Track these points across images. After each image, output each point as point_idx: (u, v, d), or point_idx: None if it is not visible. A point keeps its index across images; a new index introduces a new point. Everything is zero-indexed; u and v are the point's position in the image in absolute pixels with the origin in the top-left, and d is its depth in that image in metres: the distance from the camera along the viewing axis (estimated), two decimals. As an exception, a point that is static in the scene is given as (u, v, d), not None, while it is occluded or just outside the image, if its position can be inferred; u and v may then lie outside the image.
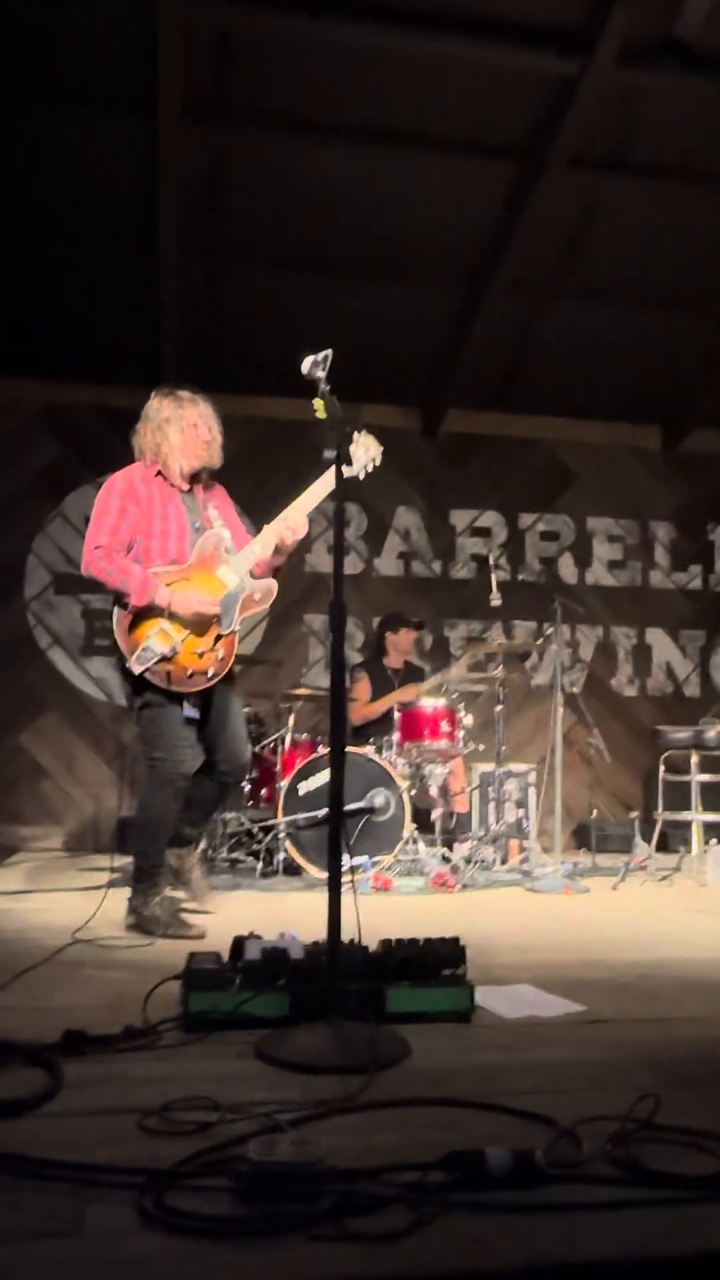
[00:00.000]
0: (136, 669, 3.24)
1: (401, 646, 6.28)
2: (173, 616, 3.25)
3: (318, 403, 2.32)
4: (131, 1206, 1.25)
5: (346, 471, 3.04)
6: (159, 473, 3.45)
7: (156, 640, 3.24)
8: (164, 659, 3.24)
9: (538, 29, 4.92)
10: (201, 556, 3.38)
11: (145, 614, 3.26)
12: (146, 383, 7.16)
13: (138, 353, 6.93)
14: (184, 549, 3.39)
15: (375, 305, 6.65)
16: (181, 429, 3.44)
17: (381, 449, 3.35)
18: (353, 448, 3.19)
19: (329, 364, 2.36)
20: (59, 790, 7.13)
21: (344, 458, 2.21)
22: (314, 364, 2.38)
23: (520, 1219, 1.24)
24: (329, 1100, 1.63)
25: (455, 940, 2.28)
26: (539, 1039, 2.07)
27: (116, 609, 3.31)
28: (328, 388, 2.34)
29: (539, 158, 5.56)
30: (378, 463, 3.35)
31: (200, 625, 3.30)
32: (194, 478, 3.52)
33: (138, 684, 3.30)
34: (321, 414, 2.31)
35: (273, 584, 3.46)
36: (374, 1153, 1.41)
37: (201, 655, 3.31)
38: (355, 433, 3.27)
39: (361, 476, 3.29)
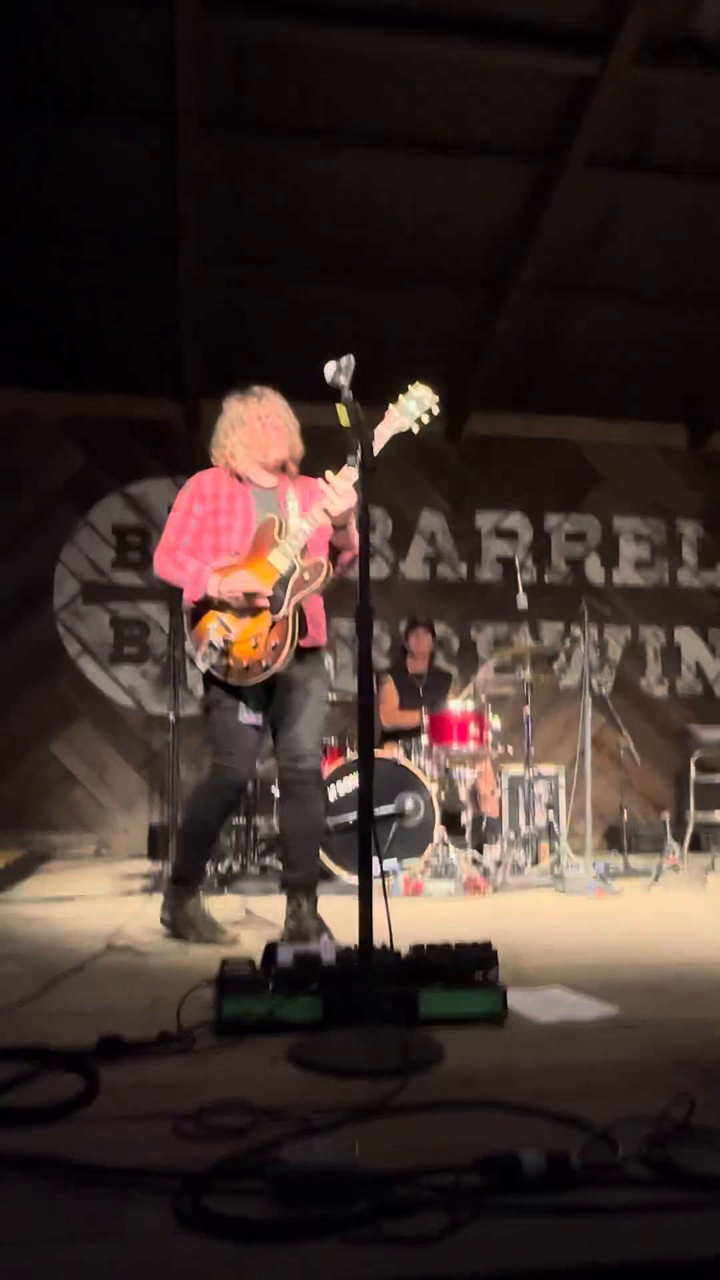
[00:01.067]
0: (201, 666, 3.22)
1: (417, 649, 6.29)
2: (223, 605, 3.19)
3: (340, 409, 2.33)
4: (169, 1209, 1.26)
5: (401, 424, 3.04)
6: (236, 474, 3.39)
7: (215, 633, 3.18)
8: (224, 652, 3.17)
9: (555, 30, 4.92)
10: (255, 543, 3.26)
11: (205, 609, 3.22)
12: (170, 392, 7.31)
13: (160, 362, 6.99)
14: (248, 542, 3.30)
15: (396, 309, 6.66)
16: (247, 425, 3.37)
17: (437, 399, 3.11)
18: (405, 398, 3.06)
19: (351, 370, 2.36)
20: (90, 798, 7.19)
21: (368, 463, 2.20)
22: (337, 370, 2.37)
23: (556, 1222, 1.24)
24: (363, 1104, 1.64)
25: (487, 944, 2.29)
26: (572, 1041, 2.07)
27: (184, 609, 3.34)
28: (350, 394, 2.34)
29: (558, 158, 5.55)
30: (434, 413, 3.12)
31: (253, 611, 3.16)
32: (281, 470, 3.42)
33: (206, 682, 3.28)
34: (344, 420, 2.32)
35: (321, 561, 3.21)
36: (408, 1156, 1.41)
37: (255, 645, 3.17)
38: (410, 385, 3.11)
39: (416, 429, 3.08)
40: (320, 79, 5.19)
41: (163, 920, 3.32)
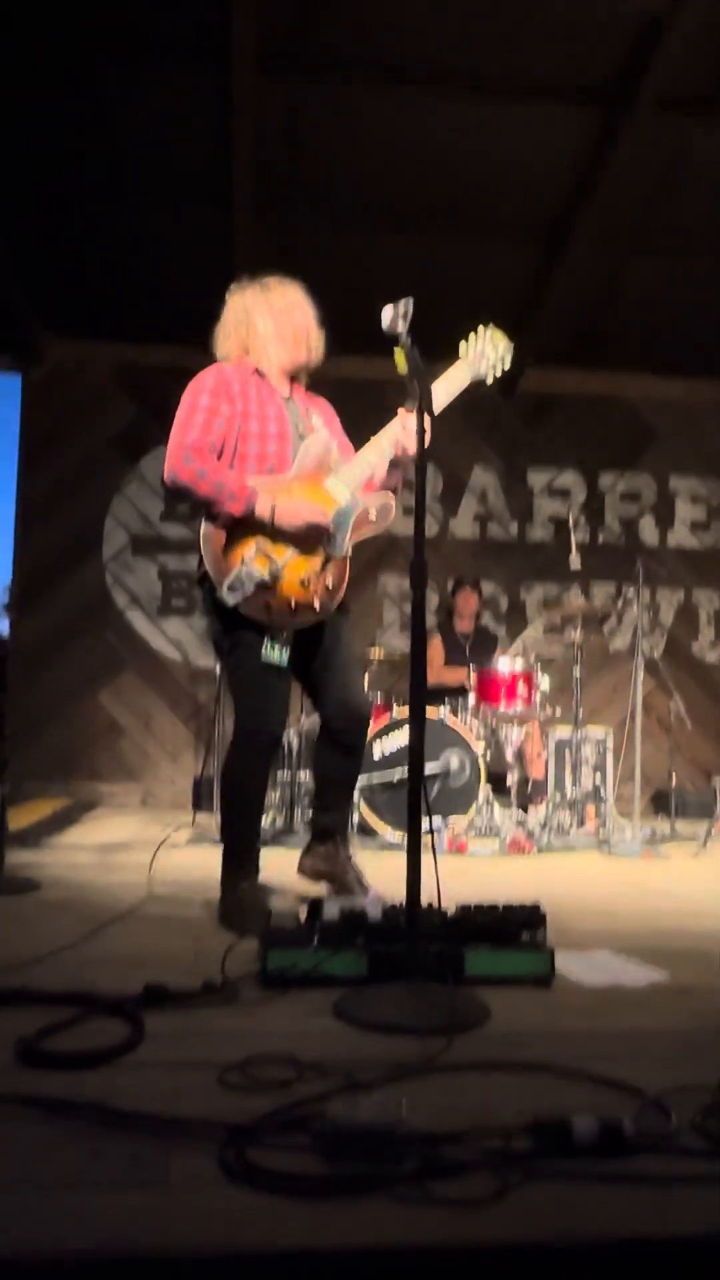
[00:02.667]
0: (229, 600, 2.69)
1: (463, 609, 6.23)
2: (275, 533, 2.70)
3: (398, 353, 2.20)
4: (214, 1160, 1.25)
5: (478, 372, 2.81)
6: (255, 371, 2.94)
7: (255, 564, 2.68)
8: (263, 586, 2.69)
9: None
10: (304, 465, 2.82)
11: (242, 531, 2.71)
12: (222, 343, 7.20)
13: (215, 311, 6.89)
14: (286, 456, 2.83)
15: (455, 259, 6.51)
16: (271, 316, 2.93)
17: (512, 346, 2.87)
18: (480, 343, 2.83)
19: (410, 314, 2.24)
20: (136, 748, 7.25)
21: (427, 409, 2.13)
22: (395, 314, 2.21)
23: (608, 1190, 1.21)
24: (409, 1061, 1.62)
25: (535, 905, 2.25)
26: (621, 1006, 2.03)
27: (206, 525, 2.75)
28: (409, 338, 2.23)
29: (625, 101, 5.35)
30: (507, 364, 2.88)
31: (308, 544, 2.74)
32: (292, 381, 3.01)
33: (228, 619, 2.76)
34: (402, 366, 2.21)
35: (391, 501, 2.90)
36: (455, 1116, 1.39)
37: (306, 584, 2.74)
38: (483, 327, 2.88)
39: (490, 380, 2.86)
40: (379, 17, 5.02)
41: (219, 905, 2.87)
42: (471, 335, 2.90)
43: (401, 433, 2.78)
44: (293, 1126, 1.33)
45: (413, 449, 2.55)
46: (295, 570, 2.74)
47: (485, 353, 2.87)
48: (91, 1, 4.87)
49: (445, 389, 2.84)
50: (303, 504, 2.73)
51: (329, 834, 2.99)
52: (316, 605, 2.77)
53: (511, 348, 2.89)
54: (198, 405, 2.81)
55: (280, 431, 2.86)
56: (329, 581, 2.80)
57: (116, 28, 5.03)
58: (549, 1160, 1.26)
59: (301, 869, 3.00)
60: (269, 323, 2.91)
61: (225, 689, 5.66)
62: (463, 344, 2.91)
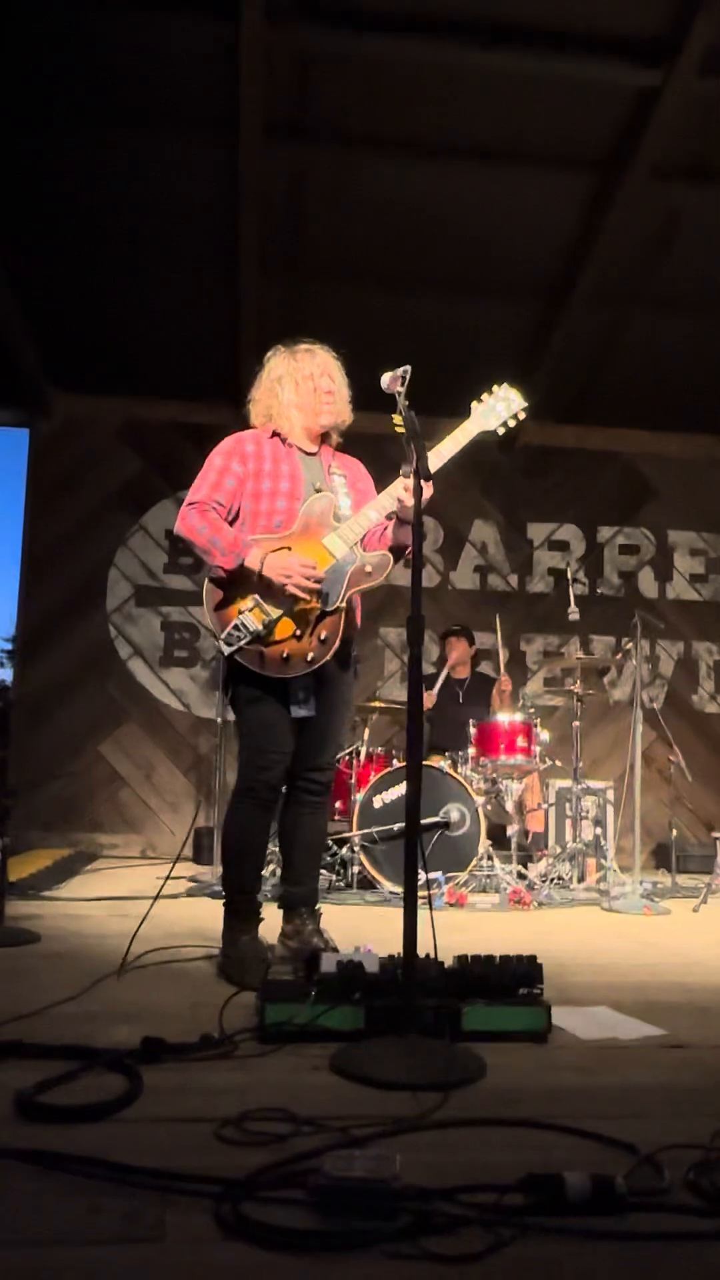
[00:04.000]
0: (224, 649, 2.82)
1: (458, 655, 6.26)
2: (269, 587, 2.79)
3: (396, 418, 2.33)
4: (210, 1215, 1.26)
5: (487, 424, 2.91)
6: (275, 434, 3.03)
7: (249, 616, 2.80)
8: (256, 639, 2.80)
9: (619, 40, 4.88)
10: (307, 521, 2.90)
11: (240, 586, 2.83)
12: (226, 399, 7.35)
13: (218, 369, 7.04)
14: (294, 514, 2.92)
15: (453, 318, 6.65)
16: (296, 383, 3.02)
17: (525, 404, 2.97)
18: (491, 398, 2.94)
19: (408, 379, 2.37)
20: (137, 799, 7.25)
21: (423, 473, 2.19)
22: (393, 379, 2.39)
23: (600, 1246, 1.22)
24: (404, 1117, 1.63)
25: (532, 959, 2.26)
26: (617, 1062, 2.04)
27: (208, 581, 2.91)
28: (406, 403, 2.35)
29: (621, 168, 5.51)
30: (520, 418, 2.98)
31: (296, 599, 2.81)
32: (322, 439, 3.09)
33: (239, 672, 2.87)
34: (401, 429, 2.32)
35: (388, 556, 2.93)
36: (450, 1172, 1.40)
37: (299, 636, 2.82)
38: (497, 386, 2.97)
39: (501, 432, 2.96)
40: (381, 89, 5.20)
41: (220, 955, 2.92)
42: (486, 394, 3.00)
43: (403, 492, 2.83)
44: (288, 1181, 1.34)
45: (409, 504, 2.59)
46: (288, 623, 2.82)
47: (497, 407, 2.96)
48: (103, 72, 5.04)
49: (454, 440, 2.91)
50: (293, 558, 2.81)
51: (293, 907, 3.01)
52: (309, 656, 2.84)
53: (525, 405, 2.99)
54: (211, 465, 2.98)
55: (291, 490, 2.95)
56: (322, 634, 2.85)
57: (127, 96, 5.20)
58: (542, 1216, 1.27)
59: (277, 948, 2.97)
60: (291, 391, 3.01)
61: (227, 741, 5.70)
62: (475, 403, 3.00)
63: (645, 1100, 1.80)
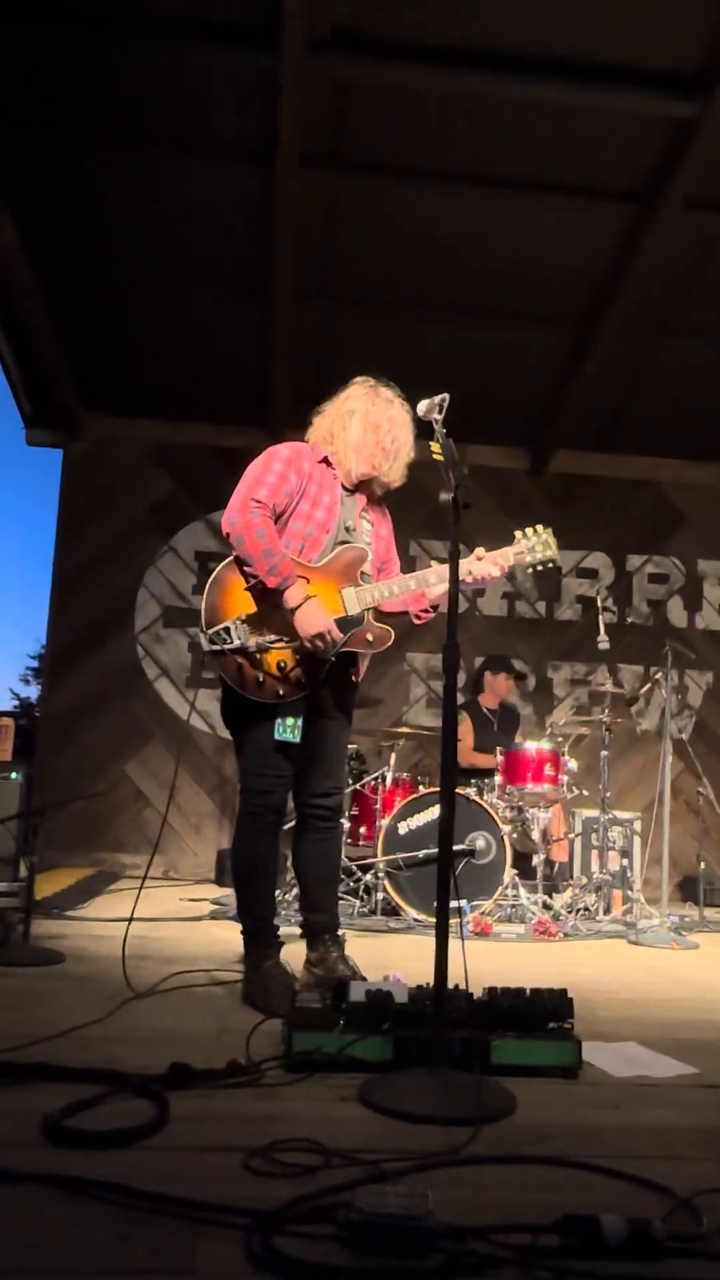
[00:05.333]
0: (205, 644, 2.82)
1: (499, 689, 6.23)
2: (280, 618, 2.80)
3: (434, 445, 2.35)
4: (240, 1247, 1.24)
5: (522, 560, 3.04)
6: (326, 460, 3.04)
7: (243, 628, 2.80)
8: (243, 652, 2.79)
9: (655, 72, 4.90)
10: (334, 565, 2.92)
11: (253, 595, 2.83)
12: (257, 423, 7.42)
13: (249, 393, 7.11)
14: (320, 544, 2.93)
15: (485, 346, 6.68)
16: (365, 427, 2.99)
17: (557, 554, 3.10)
18: (534, 537, 3.06)
19: (445, 408, 2.38)
20: (160, 820, 7.24)
21: (461, 501, 2.19)
22: (430, 406, 2.41)
23: (637, 1292, 1.19)
24: (435, 1152, 1.60)
25: (563, 992, 2.23)
26: (649, 1100, 2.00)
27: (224, 570, 2.89)
28: (444, 430, 2.36)
29: (655, 199, 5.52)
30: (549, 566, 3.09)
31: (300, 639, 2.81)
32: (361, 485, 3.08)
33: (225, 693, 2.89)
34: (438, 456, 2.33)
35: (390, 634, 2.99)
36: (482, 1210, 1.38)
37: (281, 671, 2.82)
38: (535, 527, 3.09)
39: (529, 570, 3.10)
40: (417, 119, 5.24)
41: (243, 982, 2.88)
42: (529, 530, 3.11)
43: (494, 570, 2.99)
44: (319, 1215, 1.32)
45: (481, 575, 2.96)
46: (277, 654, 2.82)
47: (535, 548, 3.08)
48: (143, 99, 5.12)
49: (494, 561, 3.05)
50: (323, 618, 2.81)
51: (316, 934, 2.98)
52: (280, 691, 2.83)
53: (558, 559, 3.13)
54: (271, 468, 2.94)
55: (325, 520, 2.97)
56: (301, 675, 2.85)
57: (166, 123, 5.28)
58: (578, 1259, 1.24)
59: (303, 975, 2.95)
60: (358, 432, 3.00)
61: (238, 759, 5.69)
62: (518, 533, 3.12)
63: (679, 1141, 1.76)
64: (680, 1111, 1.95)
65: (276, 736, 2.82)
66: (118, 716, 7.29)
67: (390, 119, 5.26)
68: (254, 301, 6.31)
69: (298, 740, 2.86)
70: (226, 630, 2.80)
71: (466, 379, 6.37)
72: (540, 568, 3.11)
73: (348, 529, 3.01)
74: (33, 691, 32.83)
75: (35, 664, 33.25)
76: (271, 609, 2.82)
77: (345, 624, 2.89)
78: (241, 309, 6.45)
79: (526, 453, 7.72)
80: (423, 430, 2.54)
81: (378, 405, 3.03)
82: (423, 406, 2.42)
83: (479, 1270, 1.20)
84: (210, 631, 2.82)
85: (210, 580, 2.91)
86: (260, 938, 2.89)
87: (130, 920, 3.10)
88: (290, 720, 2.84)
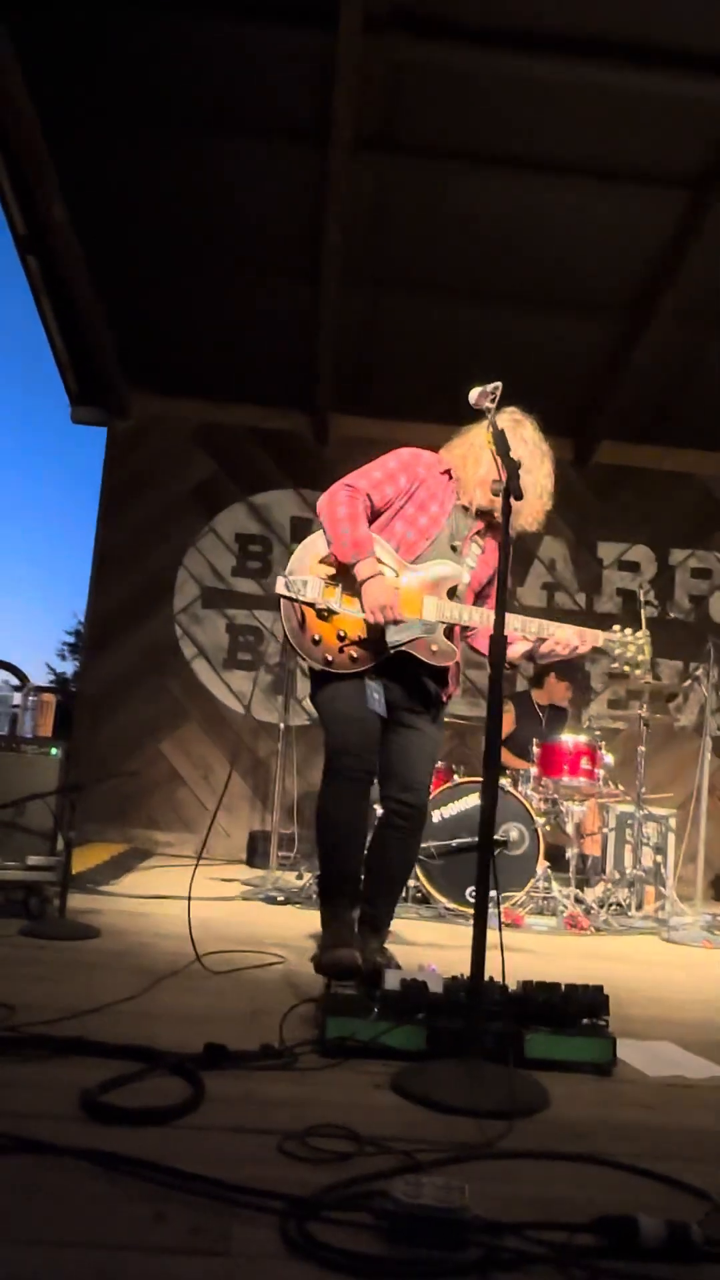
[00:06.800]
0: (278, 586, 2.92)
1: (556, 693, 6.20)
2: (352, 586, 2.86)
3: (486, 434, 2.32)
4: (275, 1231, 1.25)
5: (610, 648, 3.01)
6: (449, 472, 3.04)
7: (320, 585, 2.90)
8: (311, 606, 2.88)
9: (714, 55, 4.81)
10: (426, 571, 2.95)
11: (340, 568, 2.90)
12: (301, 406, 7.41)
13: (294, 376, 7.10)
14: (417, 547, 2.96)
15: (534, 334, 6.61)
16: (493, 466, 2.79)
17: (650, 657, 3.08)
18: (629, 636, 3.05)
19: (498, 397, 2.35)
20: (194, 799, 7.30)
21: (512, 491, 2.17)
22: (483, 394, 2.37)
23: (675, 1296, 1.18)
24: (470, 1144, 1.60)
25: (599, 988, 2.21)
26: (685, 1102, 1.99)
27: (321, 535, 2.98)
28: (496, 420, 2.33)
29: (712, 187, 5.43)
30: (635, 664, 3.06)
31: (361, 615, 2.86)
32: (481, 514, 3.06)
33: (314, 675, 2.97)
34: (490, 445, 2.30)
35: (455, 652, 2.99)
36: (516, 1205, 1.37)
37: (341, 640, 2.88)
38: (638, 632, 3.07)
39: (617, 665, 3.07)
40: (472, 102, 5.18)
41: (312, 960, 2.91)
42: (628, 628, 3.11)
43: (576, 638, 2.96)
44: (354, 1203, 1.32)
45: (563, 640, 2.94)
46: (342, 621, 2.89)
47: (629, 645, 3.06)
48: (196, 79, 5.10)
49: (580, 635, 3.00)
50: (388, 593, 2.83)
51: (362, 924, 2.99)
52: (329, 657, 2.89)
53: (648, 666, 3.16)
54: (385, 464, 3.03)
55: (428, 528, 2.99)
56: (354, 652, 2.89)
57: (219, 103, 5.26)
58: (613, 1260, 1.23)
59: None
60: (489, 469, 2.90)
61: (287, 746, 5.70)
62: (616, 626, 3.11)
63: (714, 1144, 1.75)
64: (715, 1115, 1.93)
65: (369, 705, 2.88)
66: (154, 695, 7.35)
67: (444, 101, 5.21)
68: (301, 284, 6.29)
69: (384, 714, 2.92)
70: (304, 581, 2.91)
71: (513, 366, 6.31)
72: (625, 668, 3.09)
73: (454, 546, 3.02)
74: (69, 667, 33.17)
75: (72, 640, 33.59)
76: (350, 579, 2.89)
77: (413, 626, 2.90)
78: (288, 291, 6.43)
79: (571, 443, 7.65)
80: (472, 417, 2.52)
81: (518, 446, 2.91)
82: (474, 394, 2.38)
83: (515, 1266, 1.20)
84: (290, 576, 2.94)
85: (309, 537, 3.03)
86: (330, 899, 2.92)
87: (189, 899, 3.13)
88: (376, 695, 2.90)
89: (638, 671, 3.08)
